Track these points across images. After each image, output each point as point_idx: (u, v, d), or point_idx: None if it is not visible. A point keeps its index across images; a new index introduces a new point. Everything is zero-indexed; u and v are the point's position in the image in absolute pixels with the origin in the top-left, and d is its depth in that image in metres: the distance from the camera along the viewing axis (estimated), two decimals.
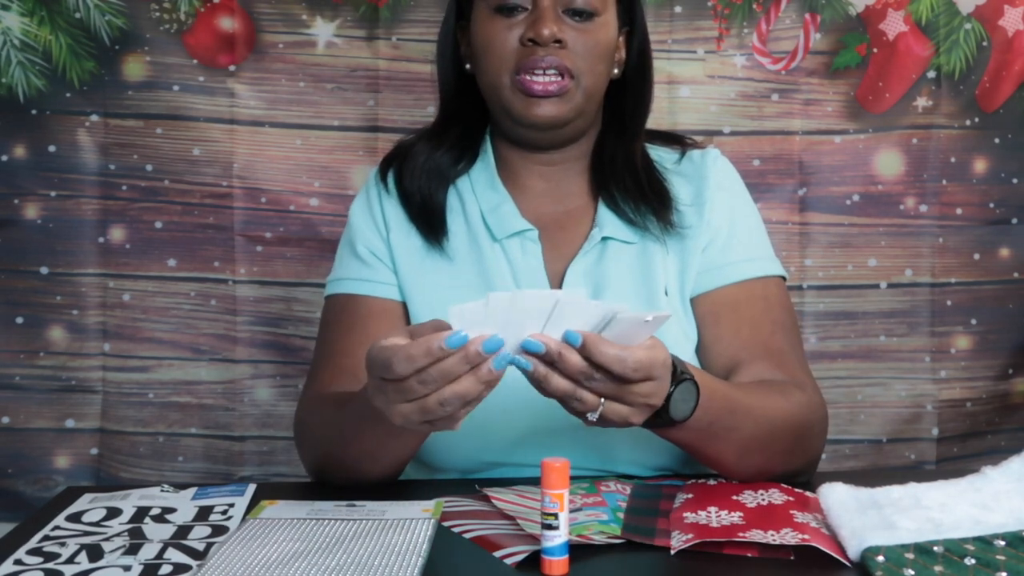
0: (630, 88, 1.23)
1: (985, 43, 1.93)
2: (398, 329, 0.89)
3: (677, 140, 1.27)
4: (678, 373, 0.92)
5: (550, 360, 0.84)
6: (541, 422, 1.13)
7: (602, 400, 0.86)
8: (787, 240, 1.94)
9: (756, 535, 0.87)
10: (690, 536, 0.88)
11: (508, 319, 0.82)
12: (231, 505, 1.02)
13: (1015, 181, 1.96)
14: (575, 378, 0.84)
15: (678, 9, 1.92)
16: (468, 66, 1.22)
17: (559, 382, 0.85)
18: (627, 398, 0.86)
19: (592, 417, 0.87)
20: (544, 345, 0.83)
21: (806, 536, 0.86)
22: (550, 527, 0.82)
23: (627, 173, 1.20)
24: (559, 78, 1.13)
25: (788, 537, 0.86)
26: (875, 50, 1.93)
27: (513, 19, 1.15)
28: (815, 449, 1.12)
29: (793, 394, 1.10)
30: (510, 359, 0.83)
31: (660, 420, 0.93)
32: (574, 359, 0.83)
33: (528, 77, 1.13)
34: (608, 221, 1.19)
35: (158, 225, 1.92)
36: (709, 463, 1.07)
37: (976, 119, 1.95)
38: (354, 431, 1.03)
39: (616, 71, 1.21)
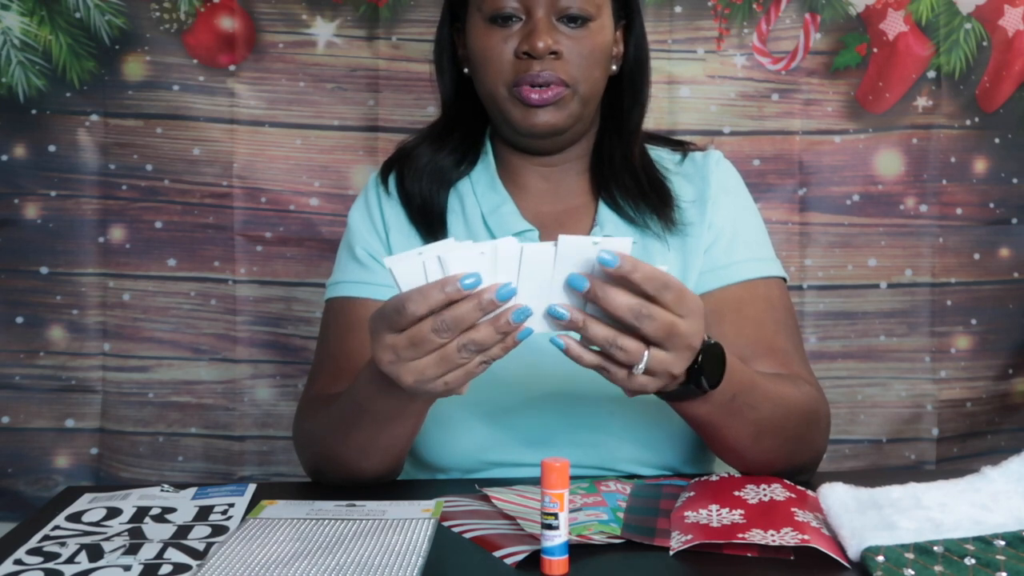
0: (627, 84, 1.22)
1: (985, 43, 1.93)
2: None
3: (679, 143, 1.28)
4: (704, 339, 0.92)
5: (592, 298, 0.82)
6: (541, 421, 1.14)
7: (647, 349, 0.84)
8: (787, 240, 1.94)
9: (756, 535, 0.87)
10: (689, 537, 0.88)
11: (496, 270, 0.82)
12: (231, 505, 1.02)
13: (1015, 181, 1.97)
14: (623, 318, 0.83)
15: (678, 9, 1.92)
16: (466, 70, 1.21)
17: (599, 329, 0.84)
18: (670, 342, 0.84)
19: (638, 370, 0.85)
20: (587, 281, 0.82)
21: (806, 536, 0.86)
22: (550, 527, 0.82)
23: (626, 173, 1.20)
24: (555, 88, 1.13)
25: (788, 537, 0.86)
26: (875, 50, 1.93)
27: (508, 29, 1.14)
28: (820, 444, 1.13)
29: (802, 385, 1.11)
30: (528, 313, 0.82)
31: (687, 390, 0.93)
32: (621, 297, 0.82)
33: (525, 88, 1.13)
34: (609, 220, 1.19)
35: (158, 225, 1.92)
36: (723, 446, 1.06)
37: (976, 119, 1.95)
38: (346, 425, 1.03)
39: (615, 67, 1.21)
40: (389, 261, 0.82)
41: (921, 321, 1.97)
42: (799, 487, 1.01)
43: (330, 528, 0.93)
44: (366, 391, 0.95)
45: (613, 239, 0.83)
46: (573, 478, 0.85)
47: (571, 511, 0.85)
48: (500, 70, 1.14)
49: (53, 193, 1.91)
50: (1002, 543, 0.83)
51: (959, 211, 1.97)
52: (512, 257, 0.82)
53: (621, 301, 0.82)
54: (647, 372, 0.86)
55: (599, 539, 0.89)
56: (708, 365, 0.92)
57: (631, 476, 1.12)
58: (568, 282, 0.82)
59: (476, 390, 0.90)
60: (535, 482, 0.92)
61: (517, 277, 0.82)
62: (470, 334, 0.82)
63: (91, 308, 1.92)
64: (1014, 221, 1.97)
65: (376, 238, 1.22)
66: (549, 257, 0.82)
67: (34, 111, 1.89)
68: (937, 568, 0.80)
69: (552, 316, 0.84)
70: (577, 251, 0.83)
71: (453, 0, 1.22)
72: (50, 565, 0.87)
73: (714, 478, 1.06)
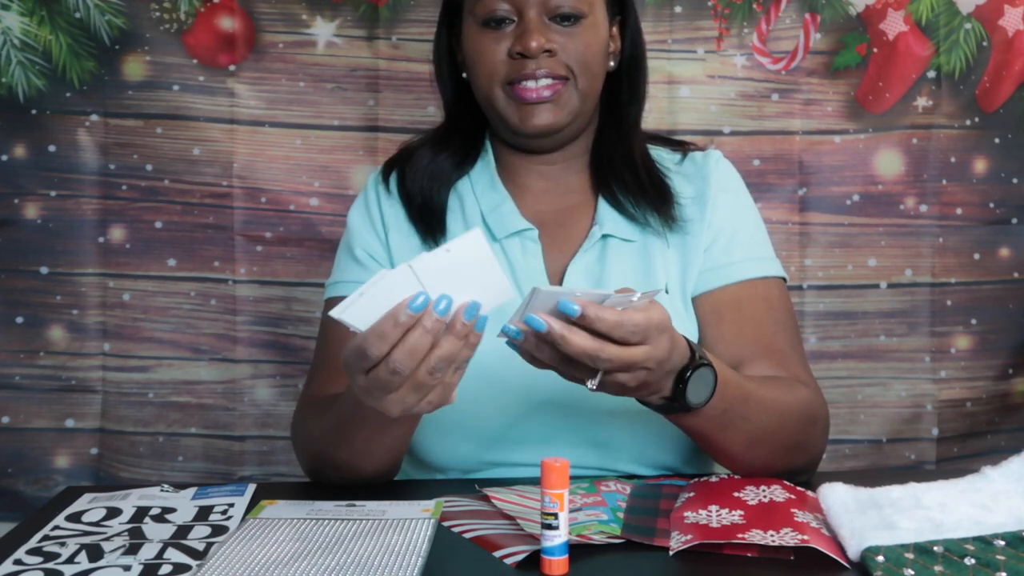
0: (625, 80, 1.23)
1: (985, 43, 1.93)
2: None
3: (679, 143, 1.28)
4: (696, 358, 0.93)
5: (550, 340, 0.84)
6: (541, 422, 1.13)
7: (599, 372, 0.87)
8: (787, 240, 1.94)
9: (756, 536, 0.87)
10: (689, 537, 0.88)
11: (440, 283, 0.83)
12: (231, 505, 1.02)
13: (1015, 181, 1.97)
14: (582, 361, 0.85)
15: (678, 9, 1.92)
16: (465, 75, 1.22)
17: (549, 356, 0.86)
18: (627, 371, 0.87)
19: (592, 385, 0.87)
20: (547, 324, 0.83)
21: (805, 537, 0.86)
22: (550, 527, 0.82)
23: (626, 169, 1.20)
24: (552, 82, 1.13)
25: (787, 538, 0.86)
26: (875, 50, 1.93)
27: (501, 32, 1.15)
28: (818, 446, 1.13)
29: (798, 389, 1.11)
30: (478, 306, 0.83)
31: (676, 405, 0.94)
32: (578, 339, 0.84)
33: (521, 86, 1.13)
34: (608, 218, 1.19)
35: (158, 225, 1.92)
36: (717, 454, 1.07)
37: (976, 119, 1.95)
38: (344, 427, 1.04)
39: (612, 63, 1.21)
40: (336, 312, 0.82)
41: (921, 321, 1.97)
42: (799, 488, 1.01)
43: (330, 528, 0.93)
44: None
45: (651, 293, 0.86)
46: (573, 478, 0.85)
47: (571, 511, 0.86)
48: (494, 71, 1.15)
49: (53, 193, 1.91)
50: (1002, 543, 0.83)
51: (959, 211, 1.97)
52: (444, 265, 0.82)
53: (578, 345, 0.84)
54: (602, 386, 0.89)
55: (599, 539, 0.89)
56: (695, 385, 0.93)
57: (631, 476, 1.12)
58: (526, 321, 0.84)
59: (476, 392, 0.90)
60: (535, 482, 0.92)
61: (464, 272, 0.83)
62: (436, 352, 0.83)
63: (91, 308, 1.92)
64: (1014, 221, 1.97)
65: (375, 238, 1.22)
66: (471, 255, 0.83)
67: (34, 111, 1.89)
68: (937, 568, 0.80)
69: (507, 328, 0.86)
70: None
71: (449, 8, 1.22)
72: (50, 565, 0.87)
73: (714, 479, 1.06)
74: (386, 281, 0.82)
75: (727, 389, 0.97)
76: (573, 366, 0.87)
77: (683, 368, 0.93)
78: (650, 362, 0.87)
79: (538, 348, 0.86)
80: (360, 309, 0.83)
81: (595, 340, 0.84)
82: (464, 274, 0.83)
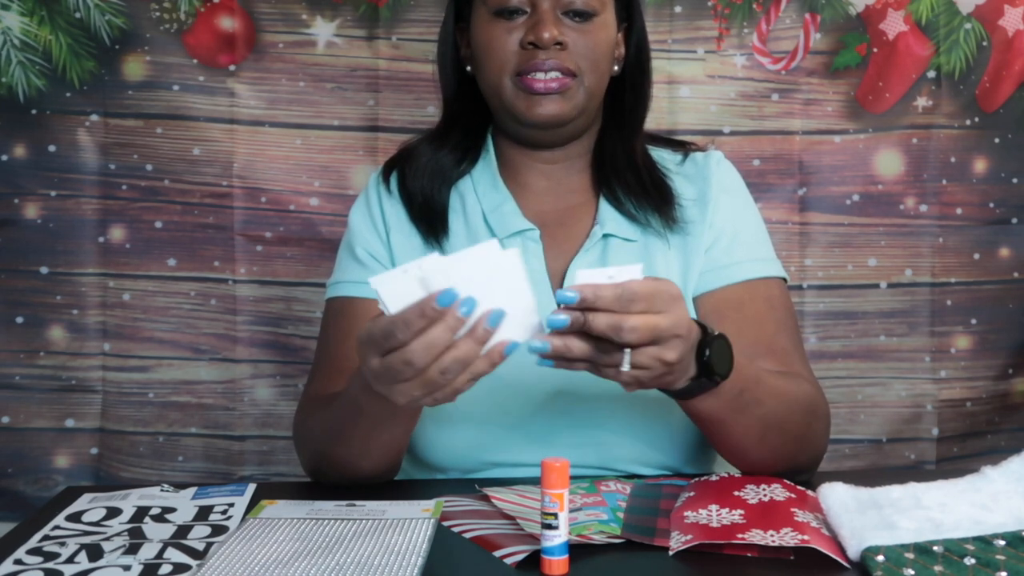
0: (629, 84, 1.23)
1: (985, 43, 1.93)
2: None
3: (680, 144, 1.28)
4: (709, 331, 0.93)
5: (577, 329, 0.84)
6: (542, 420, 1.14)
7: (627, 349, 0.85)
8: (787, 240, 1.94)
9: (756, 535, 0.87)
10: (689, 537, 0.88)
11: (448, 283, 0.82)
12: (231, 505, 1.02)
13: (1015, 181, 1.97)
14: (607, 336, 0.84)
15: (678, 9, 1.92)
16: (469, 68, 1.22)
17: (581, 345, 0.85)
18: (657, 340, 0.85)
19: (625, 367, 0.86)
20: (568, 318, 0.83)
21: (806, 537, 0.86)
22: (550, 527, 0.82)
23: (628, 170, 1.20)
24: (561, 76, 1.14)
25: (788, 538, 0.86)
26: (875, 50, 1.93)
27: (513, 22, 1.15)
28: (821, 442, 1.13)
29: (802, 383, 1.12)
30: (501, 314, 0.83)
31: (703, 381, 0.94)
32: (599, 316, 0.83)
33: (530, 77, 1.14)
34: (610, 218, 1.19)
35: (158, 225, 1.92)
36: (731, 445, 1.07)
37: (976, 119, 1.95)
38: (344, 425, 1.04)
39: (616, 68, 1.22)
40: (374, 281, 0.83)
41: (921, 321, 1.97)
42: (799, 487, 1.01)
43: (330, 528, 0.93)
44: (361, 394, 0.95)
45: (626, 268, 0.85)
46: (573, 478, 0.85)
47: (571, 511, 0.86)
48: (505, 60, 1.15)
49: (53, 193, 1.91)
50: (1002, 543, 0.83)
51: (959, 211, 1.97)
52: (493, 264, 0.83)
53: (600, 321, 0.84)
54: (638, 367, 0.86)
55: (599, 539, 0.89)
56: (717, 353, 0.93)
57: (631, 476, 1.12)
58: (549, 324, 0.84)
59: (477, 389, 0.90)
60: (535, 482, 0.92)
61: (496, 284, 0.83)
62: (451, 353, 0.82)
63: (91, 308, 1.92)
64: (1014, 221, 1.97)
65: (376, 238, 1.22)
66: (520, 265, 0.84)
67: (34, 111, 1.89)
68: (937, 568, 0.80)
69: (537, 326, 0.85)
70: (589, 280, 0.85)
71: None
72: (50, 565, 0.87)
73: (714, 478, 1.06)
74: (426, 269, 0.82)
75: (741, 368, 0.97)
76: (604, 352, 0.86)
77: (701, 341, 0.93)
78: (680, 327, 0.86)
79: (567, 346, 0.85)
80: (397, 287, 0.82)
81: (614, 314, 0.84)
82: (495, 288, 0.83)
